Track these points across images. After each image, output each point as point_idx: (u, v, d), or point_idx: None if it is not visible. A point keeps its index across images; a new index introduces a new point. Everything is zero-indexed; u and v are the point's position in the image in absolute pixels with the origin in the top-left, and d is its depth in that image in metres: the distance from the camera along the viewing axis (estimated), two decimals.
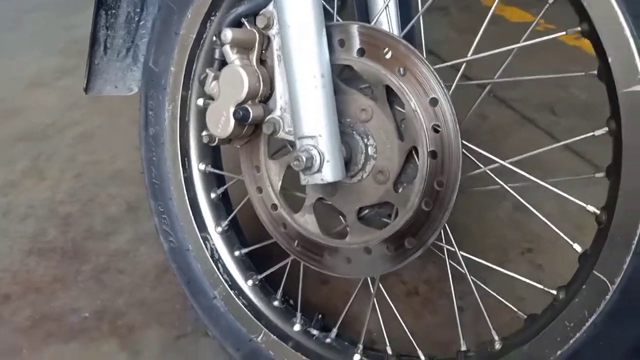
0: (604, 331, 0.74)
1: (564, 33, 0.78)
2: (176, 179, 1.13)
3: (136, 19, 1.16)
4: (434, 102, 0.82)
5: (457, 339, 0.96)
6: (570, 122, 2.11)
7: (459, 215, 1.59)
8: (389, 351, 1.01)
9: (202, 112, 1.09)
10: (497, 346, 0.87)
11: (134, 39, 1.18)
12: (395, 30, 1.04)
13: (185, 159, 1.14)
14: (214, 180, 1.17)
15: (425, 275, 1.40)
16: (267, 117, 0.90)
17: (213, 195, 1.16)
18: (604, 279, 0.73)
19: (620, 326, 0.73)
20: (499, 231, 1.56)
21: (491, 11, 0.83)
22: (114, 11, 1.13)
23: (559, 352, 0.77)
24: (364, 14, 1.07)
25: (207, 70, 0.94)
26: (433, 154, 0.83)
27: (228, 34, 0.87)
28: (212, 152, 1.17)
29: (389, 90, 0.86)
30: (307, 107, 0.83)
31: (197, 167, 1.15)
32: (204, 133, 0.98)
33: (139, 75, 1.19)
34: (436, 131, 0.82)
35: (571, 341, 0.76)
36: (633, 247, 0.71)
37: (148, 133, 1.14)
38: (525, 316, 0.88)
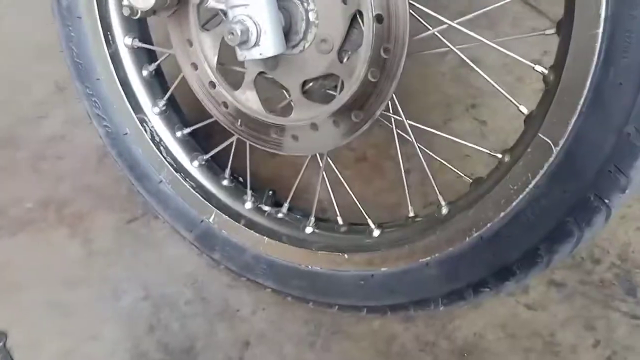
0: (546, 192, 0.75)
1: None
2: (101, 56, 1.04)
3: None
4: None
5: (405, 201, 0.97)
6: None
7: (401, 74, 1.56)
8: (340, 221, 1.01)
9: None
10: (444, 210, 0.88)
11: None
12: None
13: (108, 33, 1.03)
14: (144, 56, 1.08)
15: (372, 139, 1.39)
16: None
17: (145, 73, 1.07)
18: (548, 140, 0.73)
19: (561, 187, 0.73)
20: (442, 88, 1.54)
21: None
22: None
23: (502, 214, 0.79)
24: None
25: None
26: (379, 18, 0.76)
27: None
28: (138, 23, 1.06)
29: None
30: None
31: (123, 42, 1.05)
32: (124, 3, 0.87)
33: None
34: None
35: (514, 203, 0.77)
36: (579, 107, 0.69)
37: (61, 5, 1.01)
38: (471, 180, 0.88)
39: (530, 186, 0.75)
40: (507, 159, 0.81)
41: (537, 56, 1.52)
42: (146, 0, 0.81)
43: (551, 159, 0.73)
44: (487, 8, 0.80)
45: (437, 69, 1.57)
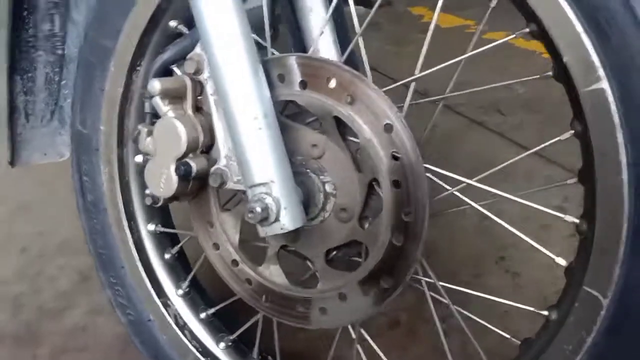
0: (607, 349, 0.68)
1: (513, 36, 0.74)
2: (124, 245, 1.04)
3: (57, 79, 1.08)
4: (388, 127, 0.76)
5: None
6: (517, 119, 2.13)
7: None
8: None
9: (142, 170, 1.01)
10: None
11: (58, 101, 1.10)
12: (335, 56, 0.98)
13: (132, 222, 1.05)
14: (166, 240, 1.08)
15: (403, 303, 1.34)
16: (213, 169, 0.83)
17: (168, 256, 1.07)
18: (596, 293, 0.68)
19: (623, 341, 0.67)
20: (468, 243, 1.52)
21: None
22: (30, 74, 1.05)
23: None
24: (300, 43, 1.02)
25: (139, 127, 0.86)
26: (396, 184, 0.77)
27: (155, 84, 0.80)
28: (160, 210, 1.08)
29: (339, 121, 0.80)
30: (253, 152, 0.76)
31: (146, 229, 1.06)
32: (147, 193, 0.90)
33: (69, 138, 1.10)
34: (395, 158, 0.76)
35: None
36: (620, 255, 0.66)
37: (86, 200, 1.05)
38: (519, 342, 0.82)
39: (588, 345, 0.69)
40: (554, 316, 0.76)
41: (559, 203, 1.52)
42: (167, 188, 0.83)
43: (603, 313, 0.67)
44: (506, 163, 0.80)
45: (459, 225, 1.57)
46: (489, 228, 1.55)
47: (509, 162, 0.81)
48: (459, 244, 1.53)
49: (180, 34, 0.92)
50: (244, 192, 0.87)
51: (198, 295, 1.08)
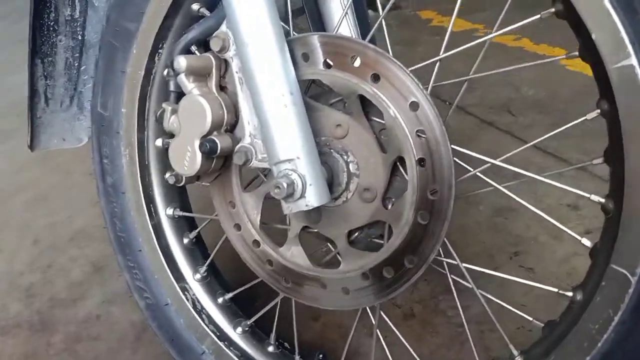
0: (635, 327, 0.68)
1: (537, 17, 0.74)
2: (143, 228, 1.04)
3: (76, 64, 1.08)
4: (414, 106, 0.76)
5: (466, 358, 0.89)
6: (528, 119, 2.12)
7: None
8: None
9: (162, 153, 1.02)
10: None
11: (77, 86, 1.09)
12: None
13: (151, 205, 1.05)
14: (185, 225, 1.08)
15: (417, 294, 1.33)
16: (237, 146, 0.83)
17: (186, 241, 1.07)
18: (624, 271, 0.67)
19: None
20: (481, 237, 1.52)
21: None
22: (50, 59, 1.05)
23: (587, 358, 0.71)
24: (319, 26, 1.02)
25: (164, 105, 0.86)
26: (421, 162, 0.77)
27: (182, 61, 0.80)
28: (179, 194, 1.08)
29: (363, 101, 0.80)
30: (280, 129, 0.77)
31: (165, 213, 1.06)
32: (169, 174, 0.90)
33: (88, 124, 1.10)
34: (421, 137, 0.76)
35: (599, 344, 0.70)
36: None
37: (106, 183, 1.05)
38: (542, 324, 0.81)
39: (615, 323, 0.68)
40: (579, 297, 0.75)
41: (573, 199, 1.51)
42: (191, 166, 0.83)
43: (631, 291, 0.67)
44: (529, 144, 0.80)
45: (472, 220, 1.56)
46: (501, 224, 1.54)
47: (533, 142, 0.81)
48: (472, 239, 1.52)
49: (201, 17, 0.93)
50: (264, 174, 0.88)
51: (216, 280, 1.07)
